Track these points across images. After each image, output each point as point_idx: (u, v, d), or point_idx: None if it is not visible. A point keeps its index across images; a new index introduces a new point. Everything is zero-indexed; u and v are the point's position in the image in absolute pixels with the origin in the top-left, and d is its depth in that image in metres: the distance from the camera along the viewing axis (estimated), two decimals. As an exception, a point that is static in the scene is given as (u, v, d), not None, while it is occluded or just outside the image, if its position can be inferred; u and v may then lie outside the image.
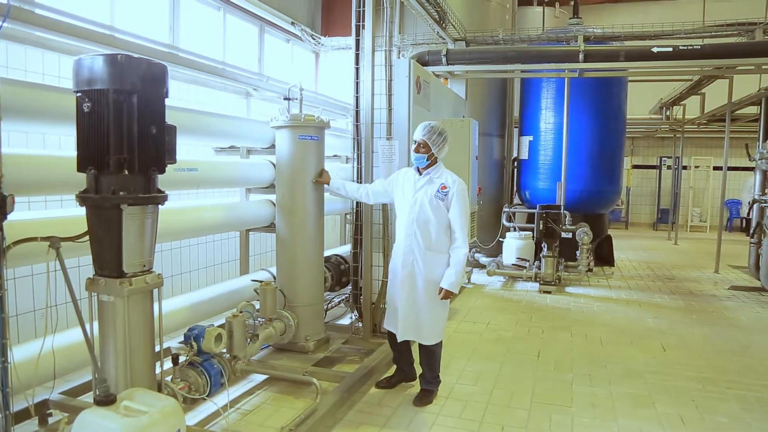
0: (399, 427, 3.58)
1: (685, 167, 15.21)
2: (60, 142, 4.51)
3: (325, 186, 4.49)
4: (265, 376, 4.22)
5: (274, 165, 4.93)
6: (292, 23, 8.57)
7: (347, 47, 8.86)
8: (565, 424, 3.72)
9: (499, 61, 7.07)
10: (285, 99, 4.50)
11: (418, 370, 4.14)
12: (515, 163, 10.02)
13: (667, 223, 15.34)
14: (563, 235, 7.85)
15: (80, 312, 2.45)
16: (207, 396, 3.22)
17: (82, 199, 2.62)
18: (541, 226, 7.65)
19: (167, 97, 2.82)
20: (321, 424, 3.38)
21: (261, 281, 4.18)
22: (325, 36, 9.38)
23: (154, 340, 2.79)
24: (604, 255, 9.64)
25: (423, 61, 7.04)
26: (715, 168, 15.96)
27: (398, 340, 3.95)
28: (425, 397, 3.98)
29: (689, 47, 6.53)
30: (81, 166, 2.61)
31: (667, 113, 13.32)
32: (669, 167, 16.24)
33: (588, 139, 8.88)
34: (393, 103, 4.83)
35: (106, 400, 2.23)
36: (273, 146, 4.93)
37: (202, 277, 6.05)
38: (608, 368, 4.77)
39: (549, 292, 7.56)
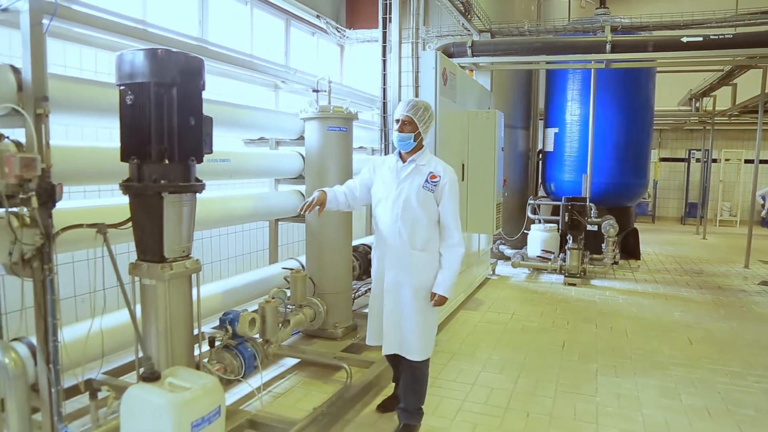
0: (426, 412, 3.65)
1: (714, 160, 14.97)
2: (97, 134, 4.67)
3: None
4: (296, 361, 4.35)
5: (302, 156, 5.04)
6: (318, 16, 8.65)
7: (372, 40, 8.92)
8: (589, 413, 3.76)
9: (524, 52, 7.06)
10: (314, 91, 4.59)
11: None
12: (540, 155, 9.99)
13: (695, 217, 15.12)
14: (589, 227, 7.84)
15: (127, 295, 2.58)
16: (242, 377, 3.33)
17: (126, 187, 2.74)
18: (566, 218, 7.65)
19: (204, 89, 2.92)
20: (350, 406, 3.50)
21: (291, 269, 4.29)
22: (349, 29, 9.44)
23: (192, 323, 2.91)
24: (630, 248, 9.58)
25: (448, 52, 7.07)
26: (746, 161, 15.65)
27: (383, 353, 3.37)
28: None
29: (721, 36, 6.42)
30: (124, 156, 2.73)
31: (697, 105, 13.10)
32: (698, 160, 15.97)
33: (614, 131, 8.81)
34: (419, 95, 4.88)
35: (152, 376, 2.35)
36: (301, 138, 5.03)
37: (232, 266, 6.20)
38: (633, 360, 4.78)
39: (574, 285, 7.56)
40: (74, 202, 3.74)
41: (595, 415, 3.73)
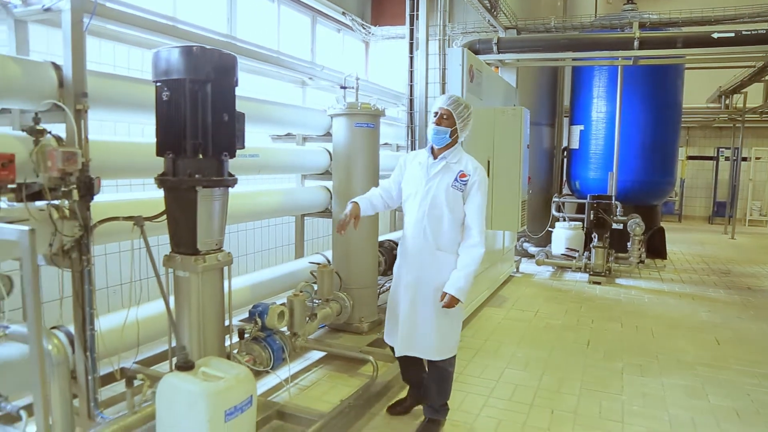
0: (451, 407, 3.67)
1: (744, 158, 14.67)
2: (129, 130, 4.77)
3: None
4: (322, 355, 4.41)
5: (328, 152, 5.09)
6: (343, 13, 8.69)
7: (397, 36, 8.93)
8: (615, 411, 3.75)
9: (550, 49, 7.01)
10: (341, 87, 4.64)
11: None
12: (565, 152, 9.92)
13: (723, 216, 14.85)
14: (614, 225, 7.77)
15: (163, 286, 2.65)
16: (270, 369, 3.40)
17: (161, 181, 2.81)
18: (591, 216, 7.59)
19: (237, 85, 2.98)
20: (376, 399, 3.55)
21: (319, 264, 4.34)
22: (375, 25, 9.47)
23: (223, 314, 2.98)
24: (656, 247, 9.46)
25: (474, 49, 7.04)
26: (777, 159, 15.32)
27: (396, 355, 3.32)
28: (429, 429, 3.34)
29: (754, 32, 6.29)
30: (160, 151, 2.80)
31: (726, 102, 12.85)
32: (727, 158, 15.67)
33: (641, 129, 8.71)
34: (446, 92, 4.89)
35: (186, 365, 2.42)
36: (328, 134, 5.08)
37: (258, 261, 6.29)
38: (660, 359, 4.75)
39: (599, 283, 7.50)
40: (107, 196, 3.83)
41: (621, 414, 3.72)
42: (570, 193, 9.93)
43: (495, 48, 6.98)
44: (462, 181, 3.10)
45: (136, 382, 2.61)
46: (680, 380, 4.31)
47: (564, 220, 8.79)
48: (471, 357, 4.66)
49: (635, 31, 6.79)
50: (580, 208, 9.04)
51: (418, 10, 4.69)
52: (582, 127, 9.11)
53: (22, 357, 2.64)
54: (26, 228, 1.92)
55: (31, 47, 3.07)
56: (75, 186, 2.54)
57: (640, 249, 7.94)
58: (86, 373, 2.76)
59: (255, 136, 5.55)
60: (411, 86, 4.84)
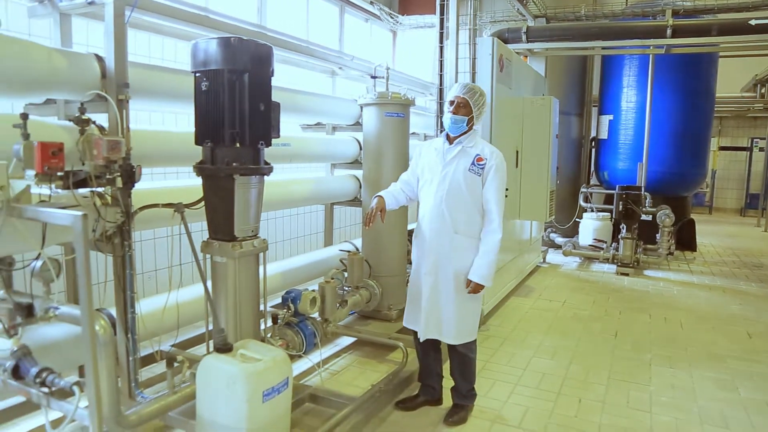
0: (479, 394, 3.71)
1: (779, 149, 14.33)
2: (163, 119, 4.88)
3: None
4: (351, 341, 4.49)
5: (358, 141, 5.13)
6: (371, 2, 8.68)
7: (425, 26, 8.90)
8: (643, 401, 3.76)
9: (580, 38, 6.93)
10: (372, 77, 4.67)
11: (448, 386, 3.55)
12: (593, 142, 9.81)
13: (756, 209, 14.53)
14: (643, 217, 7.69)
15: (202, 270, 2.73)
16: (303, 353, 3.48)
17: (200, 169, 2.90)
18: (620, 207, 7.52)
19: (273, 76, 3.04)
20: (406, 385, 3.62)
21: (349, 251, 4.41)
22: (402, 15, 9.45)
23: (258, 299, 3.06)
24: (685, 239, 9.33)
25: (503, 38, 7.00)
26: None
27: (420, 339, 3.34)
28: (457, 413, 3.36)
29: (793, 19, 6.13)
30: (199, 140, 2.88)
31: (762, 91, 12.54)
32: (761, 149, 15.29)
33: (672, 119, 8.56)
34: (476, 82, 4.89)
35: (225, 347, 2.50)
36: (357, 123, 5.12)
37: (288, 248, 6.39)
38: (689, 351, 4.72)
39: (627, 274, 7.45)
40: (145, 183, 3.93)
41: (649, 404, 3.72)
42: (598, 183, 9.84)
43: (524, 37, 6.93)
44: (479, 165, 3.13)
45: (176, 365, 2.70)
46: (710, 372, 4.28)
47: (592, 210, 8.72)
48: (498, 346, 4.69)
49: (668, 19, 6.67)
50: (608, 199, 8.96)
51: (448, 0, 4.69)
52: (611, 117, 9.00)
53: (68, 337, 2.77)
54: (79, 213, 2.01)
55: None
56: (118, 174, 2.63)
57: (669, 240, 7.85)
58: (127, 355, 2.87)
59: (286, 126, 5.61)
60: (441, 76, 4.85)
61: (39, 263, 2.43)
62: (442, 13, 4.74)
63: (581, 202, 8.84)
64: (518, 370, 4.19)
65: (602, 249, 8.03)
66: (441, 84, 4.87)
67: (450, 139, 3.23)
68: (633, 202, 7.47)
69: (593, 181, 10.05)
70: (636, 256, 7.65)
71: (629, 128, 8.81)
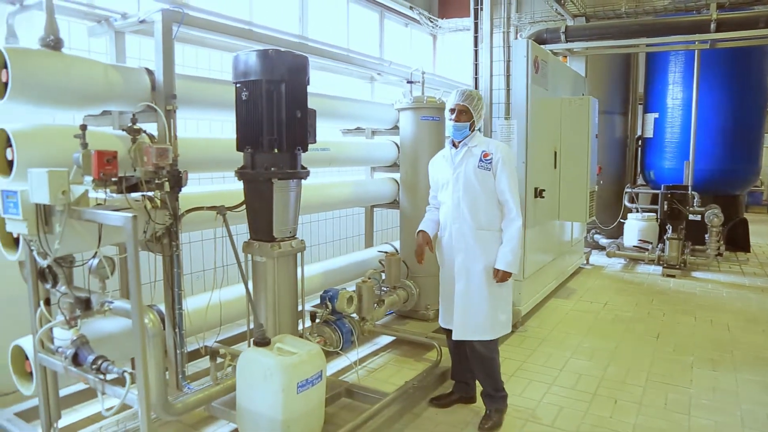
0: (513, 393, 3.77)
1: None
2: (210, 127, 5.12)
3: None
4: (389, 340, 4.61)
5: (396, 145, 5.25)
6: (411, 7, 8.80)
7: (464, 29, 8.94)
8: (681, 403, 3.72)
9: (621, 35, 6.83)
10: (408, 82, 4.78)
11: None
12: (639, 141, 9.63)
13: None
14: (691, 217, 7.52)
15: (243, 269, 2.90)
16: (340, 350, 3.62)
17: (241, 174, 3.08)
18: (665, 206, 7.37)
19: (308, 84, 3.19)
20: (440, 382, 3.71)
21: (387, 252, 4.53)
22: (442, 18, 9.52)
23: (296, 297, 3.22)
24: (737, 240, 9.01)
25: (541, 39, 6.99)
26: None
27: (454, 338, 3.41)
28: (491, 419, 3.35)
29: None
30: (240, 146, 3.06)
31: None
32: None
33: (720, 115, 8.29)
34: (511, 84, 4.93)
35: (263, 341, 2.66)
36: (396, 127, 5.25)
37: (330, 250, 6.57)
38: (735, 354, 4.62)
39: (673, 276, 7.30)
40: (191, 188, 4.15)
41: (688, 407, 3.68)
42: (644, 183, 9.64)
43: (563, 37, 6.88)
44: (486, 160, 3.27)
45: (219, 360, 2.88)
46: (756, 376, 4.18)
47: (637, 211, 8.57)
48: (536, 346, 4.72)
49: (712, 13, 6.49)
50: (655, 199, 8.77)
51: (482, 4, 4.75)
52: (656, 115, 8.81)
53: (122, 330, 2.98)
54: (129, 214, 2.20)
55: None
56: (166, 179, 2.82)
57: (718, 241, 7.63)
58: (175, 348, 3.06)
59: (326, 131, 5.80)
60: (476, 79, 4.91)
61: (95, 261, 2.64)
62: (476, 18, 4.80)
63: (626, 203, 8.69)
64: (554, 371, 4.21)
65: (647, 250, 7.88)
66: (476, 87, 4.93)
67: (455, 144, 3.38)
68: (679, 202, 7.31)
69: (640, 181, 9.84)
70: (683, 257, 7.48)
71: (676, 126, 8.60)
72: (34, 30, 2.85)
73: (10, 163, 2.60)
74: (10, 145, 2.58)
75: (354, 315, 3.93)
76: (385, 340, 4.70)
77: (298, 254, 3.20)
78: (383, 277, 4.48)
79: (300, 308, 3.33)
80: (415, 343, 4.42)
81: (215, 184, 4.78)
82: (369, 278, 4.09)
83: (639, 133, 9.63)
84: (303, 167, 3.17)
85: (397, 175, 5.28)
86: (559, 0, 6.96)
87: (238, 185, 3.19)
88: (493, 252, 3.27)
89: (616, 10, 7.32)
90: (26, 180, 2.46)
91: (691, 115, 8.00)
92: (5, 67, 2.51)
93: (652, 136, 8.98)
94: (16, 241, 2.80)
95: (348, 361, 4.04)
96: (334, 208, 5.24)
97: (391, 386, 3.72)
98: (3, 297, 3.56)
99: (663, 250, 7.62)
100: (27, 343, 2.85)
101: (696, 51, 7.74)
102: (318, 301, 3.89)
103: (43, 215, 2.50)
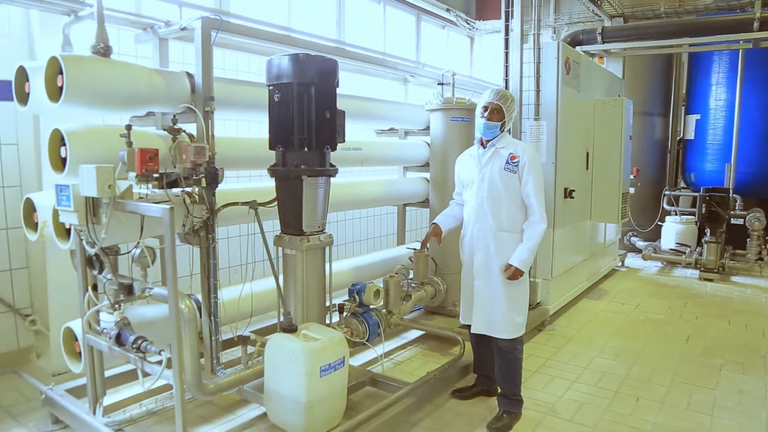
0: (534, 389, 3.85)
1: None
2: (249, 127, 5.35)
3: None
4: (416, 335, 4.75)
5: (428, 145, 5.37)
6: (447, 10, 8.90)
7: (501, 30, 8.99)
8: (705, 404, 3.72)
9: (659, 36, 6.76)
10: (439, 84, 4.89)
11: None
12: (680, 143, 9.45)
13: None
14: (732, 220, 7.37)
15: (273, 261, 3.09)
16: (366, 341, 3.77)
17: (272, 171, 3.27)
18: (703, 209, 7.25)
19: (338, 86, 3.36)
20: (462, 375, 3.83)
21: (415, 249, 4.65)
22: (479, 20, 9.58)
23: (324, 288, 3.39)
24: (783, 245, 8.77)
25: (577, 40, 6.99)
26: None
27: (472, 331, 3.51)
28: (501, 420, 3.37)
29: None
30: (272, 145, 3.25)
31: None
32: None
33: (765, 116, 8.04)
34: (541, 85, 4.99)
35: (290, 328, 2.84)
36: (428, 128, 5.37)
37: (363, 247, 6.75)
38: (767, 359, 4.56)
39: (710, 280, 7.17)
40: (229, 185, 4.37)
41: (712, 407, 3.68)
42: (686, 186, 9.47)
43: (599, 38, 6.87)
44: (513, 163, 3.29)
45: (250, 349, 3.07)
46: (787, 381, 4.14)
47: (675, 214, 8.43)
48: (562, 345, 4.76)
49: (757, 11, 6.37)
50: (695, 202, 8.60)
51: (512, 7, 4.83)
52: (698, 116, 8.64)
53: (161, 317, 3.21)
54: (167, 206, 2.41)
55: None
56: (203, 175, 3.03)
57: (759, 245, 7.45)
58: (210, 335, 3.27)
59: (360, 131, 5.97)
60: (506, 81, 4.98)
61: (138, 251, 2.86)
62: (506, 20, 4.88)
63: (665, 205, 8.57)
64: (578, 369, 4.25)
65: (684, 253, 7.76)
66: (507, 88, 5.00)
67: (483, 144, 3.42)
68: (718, 205, 7.18)
69: (682, 184, 9.66)
70: (721, 261, 7.33)
71: (718, 128, 8.42)
72: (87, 38, 3.11)
73: (64, 160, 2.86)
74: (64, 144, 2.83)
75: (383, 311, 4.07)
76: (413, 334, 4.83)
77: (327, 248, 3.36)
78: (411, 274, 4.60)
79: (328, 303, 3.50)
80: (441, 337, 4.54)
81: (252, 182, 5.01)
82: (396, 273, 4.23)
83: (682, 134, 9.46)
84: (332, 165, 3.33)
85: (428, 175, 5.40)
86: (595, 1, 6.94)
87: (272, 183, 3.37)
88: (512, 253, 3.31)
89: (655, 10, 7.25)
90: (77, 176, 2.71)
91: (734, 116, 7.84)
92: (60, 72, 2.77)
93: (693, 137, 8.82)
94: (68, 231, 3.06)
95: (375, 353, 4.20)
96: (366, 206, 5.40)
97: (415, 378, 3.82)
98: (55, 286, 3.87)
99: (701, 254, 7.49)
100: (76, 326, 3.11)
101: (740, 51, 7.57)
102: (347, 297, 4.04)
103: (92, 207, 2.74)
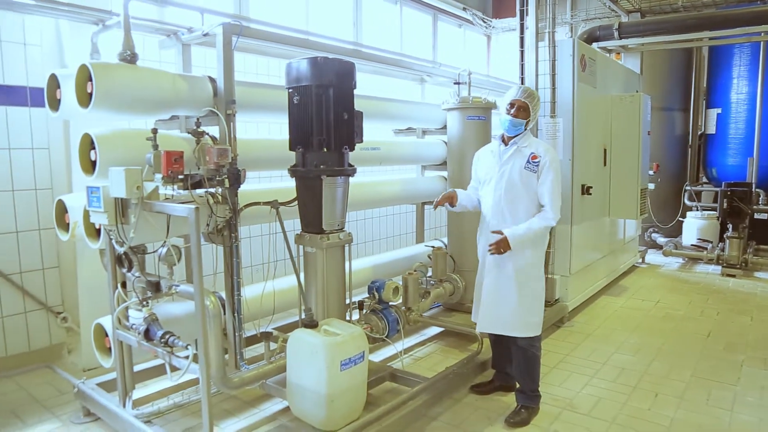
0: (552, 384, 3.89)
1: None
2: (269, 129, 5.47)
3: (448, 207, 3.65)
4: (436, 332, 4.82)
5: (445, 143, 5.43)
6: (464, 9, 8.93)
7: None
8: (725, 400, 3.72)
9: (677, 30, 6.72)
10: (455, 83, 4.94)
11: None
12: (701, 138, 9.36)
13: None
14: (756, 216, 7.29)
15: (293, 258, 3.18)
16: (386, 337, 3.84)
17: (293, 171, 3.36)
18: (725, 204, 7.19)
19: (355, 88, 3.44)
20: (480, 371, 3.89)
21: (434, 247, 4.72)
22: (495, 18, 9.59)
23: (344, 285, 3.47)
24: (809, 240, 8.63)
25: (594, 36, 6.98)
26: None
27: (477, 330, 3.56)
28: (519, 414, 3.39)
29: None
30: (292, 146, 3.34)
31: None
32: None
33: (789, 110, 7.98)
34: (557, 82, 5.01)
35: (311, 323, 2.93)
36: (445, 127, 5.42)
37: (382, 246, 6.83)
38: (790, 355, 4.53)
39: (733, 276, 7.10)
40: (251, 185, 4.48)
41: (731, 403, 3.67)
42: (707, 181, 9.37)
43: (616, 33, 6.86)
44: (534, 162, 3.29)
45: (272, 345, 3.17)
46: (810, 377, 4.11)
47: (696, 209, 8.36)
48: (581, 341, 4.78)
49: (777, 5, 6.32)
50: (717, 197, 8.52)
51: (527, 5, 4.86)
52: (719, 110, 8.54)
53: (186, 314, 3.32)
54: (193, 206, 2.51)
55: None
56: (226, 176, 3.13)
57: (783, 240, 7.36)
58: (234, 331, 3.37)
59: (378, 131, 6.05)
60: (522, 79, 5.01)
61: (164, 250, 2.98)
62: (521, 18, 4.91)
63: (686, 201, 8.50)
64: (597, 364, 4.28)
65: (706, 249, 7.69)
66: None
67: (505, 141, 3.42)
68: (740, 200, 7.11)
69: (702, 179, 9.56)
70: (744, 256, 7.26)
71: (740, 121, 8.32)
72: (113, 45, 3.23)
73: (93, 163, 2.98)
74: (94, 147, 2.95)
75: (402, 308, 4.14)
76: (432, 331, 4.89)
77: (346, 246, 3.44)
78: (430, 272, 4.67)
79: (348, 300, 3.58)
80: (460, 334, 4.59)
81: (273, 182, 5.11)
82: (415, 270, 4.30)
83: (702, 129, 9.37)
84: (350, 165, 3.41)
85: (446, 173, 5.45)
86: (611, -3, 6.93)
87: (292, 183, 3.47)
88: (526, 253, 3.32)
89: (673, 4, 7.20)
90: (106, 178, 2.83)
91: (756, 109, 7.75)
92: (90, 79, 2.89)
93: (714, 132, 8.72)
94: (98, 231, 3.19)
95: (394, 350, 4.28)
96: (384, 205, 5.48)
97: (434, 373, 3.89)
98: (85, 284, 4.02)
99: (723, 250, 7.42)
100: (106, 322, 3.24)
101: (761, 43, 7.48)
102: (366, 295, 4.12)
103: (121, 208, 2.85)
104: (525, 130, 3.37)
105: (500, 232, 3.25)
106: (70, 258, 4.22)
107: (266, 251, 5.12)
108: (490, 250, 3.28)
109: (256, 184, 4.60)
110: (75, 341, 4.34)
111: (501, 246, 3.23)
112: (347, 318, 3.63)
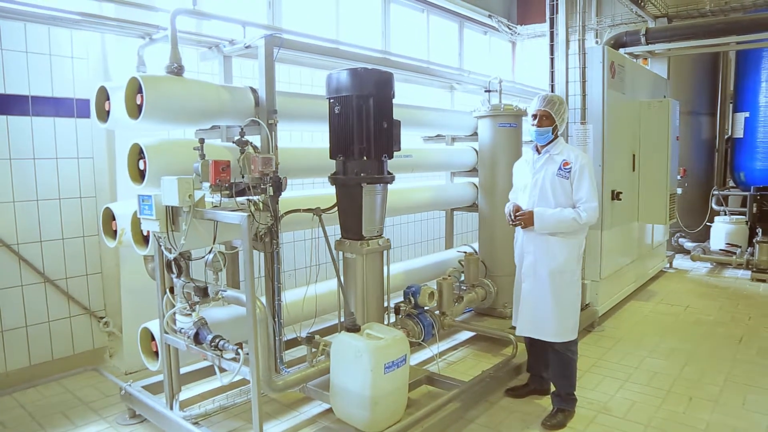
0: (586, 388, 3.92)
1: None
2: (312, 137, 5.56)
3: None
4: (468, 336, 4.88)
5: (475, 150, 5.49)
6: (489, 16, 8.99)
7: (543, 34, 8.99)
8: (761, 404, 3.72)
9: (704, 35, 6.70)
10: (486, 91, 5.01)
11: None
12: (728, 142, 9.29)
13: None
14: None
15: (337, 264, 3.27)
16: (422, 341, 3.91)
17: (333, 179, 3.45)
18: (754, 209, 7.14)
19: (393, 97, 3.52)
20: (514, 375, 3.93)
21: (466, 252, 4.78)
22: (520, 25, 9.64)
23: (383, 290, 3.55)
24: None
25: (621, 42, 6.99)
26: None
27: (516, 333, 3.65)
28: (555, 417, 3.43)
29: None
30: (333, 154, 3.43)
31: None
32: None
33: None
34: (587, 89, 5.05)
35: (354, 327, 3.00)
36: (475, 134, 5.48)
37: (412, 251, 6.90)
38: (826, 360, 4.51)
39: (763, 281, 7.05)
40: (291, 192, 4.57)
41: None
42: (735, 185, 9.29)
43: (643, 39, 6.86)
44: (566, 169, 3.37)
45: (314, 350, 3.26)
46: None
47: (724, 214, 8.30)
48: (611, 345, 4.80)
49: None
50: (745, 202, 8.45)
51: (557, 12, 4.91)
52: (747, 114, 8.48)
53: (229, 318, 3.42)
54: (245, 214, 2.61)
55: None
56: (269, 184, 3.22)
57: (815, 245, 7.27)
58: (275, 335, 3.45)
59: (408, 138, 6.12)
60: (552, 86, 5.06)
61: (211, 256, 3.07)
62: (551, 26, 4.96)
63: (713, 205, 8.44)
64: (629, 369, 4.29)
65: (735, 254, 7.63)
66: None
67: (538, 149, 3.52)
68: (769, 204, 7.06)
69: (729, 183, 9.48)
70: (774, 261, 7.20)
71: (768, 126, 8.27)
72: (155, 57, 3.35)
73: (141, 172, 3.10)
74: (142, 157, 3.06)
75: (435, 309, 4.21)
76: (464, 336, 4.95)
77: (384, 252, 3.52)
78: (462, 277, 4.73)
79: (385, 304, 3.65)
80: (492, 338, 4.64)
81: (306, 189, 5.21)
82: (449, 275, 4.36)
83: (729, 133, 9.30)
84: (389, 173, 3.49)
85: (475, 180, 5.51)
86: (638, 2, 6.93)
87: (328, 190, 3.56)
88: (560, 258, 3.39)
89: (700, 9, 7.19)
90: (153, 187, 2.94)
91: (785, 113, 7.68)
92: (139, 91, 3.01)
93: (742, 136, 8.65)
94: (145, 238, 3.31)
95: (430, 353, 4.34)
96: (416, 211, 5.55)
97: (469, 377, 3.93)
98: (128, 289, 4.15)
99: (752, 254, 7.36)
100: (153, 326, 3.35)
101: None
102: (400, 299, 4.19)
103: (171, 215, 2.96)
104: (554, 136, 3.45)
105: (530, 212, 3.39)
106: (113, 264, 4.36)
107: (302, 257, 5.22)
108: (515, 222, 3.44)
109: (289, 191, 4.71)
110: (117, 345, 4.47)
111: (525, 220, 3.40)
112: (384, 322, 3.71)
